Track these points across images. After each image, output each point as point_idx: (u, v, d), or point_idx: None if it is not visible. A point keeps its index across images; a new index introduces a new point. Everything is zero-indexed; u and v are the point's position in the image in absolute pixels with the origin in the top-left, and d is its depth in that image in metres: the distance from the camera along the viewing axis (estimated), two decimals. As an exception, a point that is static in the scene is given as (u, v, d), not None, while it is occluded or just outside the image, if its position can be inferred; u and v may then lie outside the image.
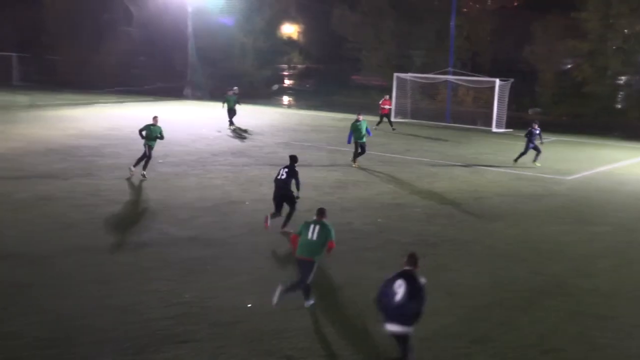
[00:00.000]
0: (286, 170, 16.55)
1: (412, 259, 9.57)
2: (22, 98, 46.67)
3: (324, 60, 68.35)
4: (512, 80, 41.06)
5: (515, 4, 63.86)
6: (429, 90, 49.18)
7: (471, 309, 12.38)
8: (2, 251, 14.59)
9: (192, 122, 37.84)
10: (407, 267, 9.49)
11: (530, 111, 50.04)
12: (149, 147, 22.39)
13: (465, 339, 11.09)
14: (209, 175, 23.34)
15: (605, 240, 17.40)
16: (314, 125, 39.53)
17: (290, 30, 73.36)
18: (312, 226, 11.98)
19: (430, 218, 18.73)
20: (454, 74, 44.90)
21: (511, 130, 39.52)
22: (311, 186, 21.61)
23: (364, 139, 26.09)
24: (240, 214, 18.43)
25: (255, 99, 49.40)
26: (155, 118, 22.91)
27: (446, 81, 45.82)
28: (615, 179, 25.89)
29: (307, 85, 66.76)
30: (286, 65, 71.71)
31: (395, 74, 44.98)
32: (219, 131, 34.52)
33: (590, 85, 46.95)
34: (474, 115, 44.63)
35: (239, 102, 36.27)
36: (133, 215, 18.30)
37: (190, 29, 54.01)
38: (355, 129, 25.99)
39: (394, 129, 37.21)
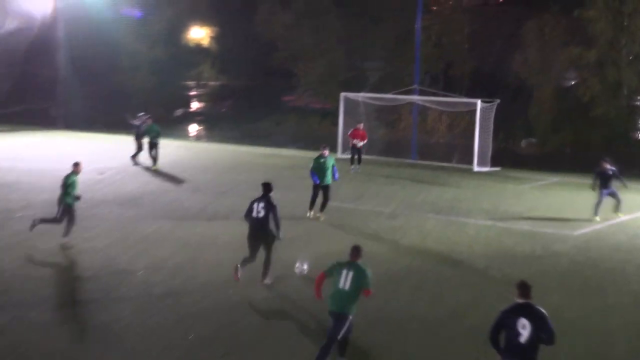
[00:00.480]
0: (262, 205, 17.93)
1: (526, 288, 11.33)
2: None
3: (245, 75, 68.62)
4: (498, 101, 41.55)
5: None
6: (388, 116, 49.70)
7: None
8: None
9: (64, 159, 37.32)
10: (520, 300, 11.28)
11: (523, 142, 50.77)
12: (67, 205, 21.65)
13: None
14: (86, 235, 22.93)
15: (624, 316, 17.64)
16: (233, 163, 39.43)
17: (199, 34, 73.47)
18: (344, 271, 13.43)
19: (392, 288, 18.72)
20: (422, 93, 45.41)
21: (498, 168, 40.13)
22: (229, 247, 21.44)
23: (329, 181, 26.16)
24: (130, 286, 18.19)
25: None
26: (76, 165, 22.26)
27: (411, 103, 46.28)
28: (636, 233, 26.33)
29: (224, 109, 66.87)
30: (194, 82, 71.68)
31: (343, 94, 45.23)
32: (102, 173, 34.14)
33: (601, 106, 47.58)
34: (448, 149, 45.16)
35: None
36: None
37: (61, 33, 53.68)
38: (318, 168, 26.08)
39: (351, 169, 37.40)
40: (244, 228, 24.24)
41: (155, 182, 32.54)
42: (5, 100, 56.35)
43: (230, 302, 17.25)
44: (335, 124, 45.14)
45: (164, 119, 55.89)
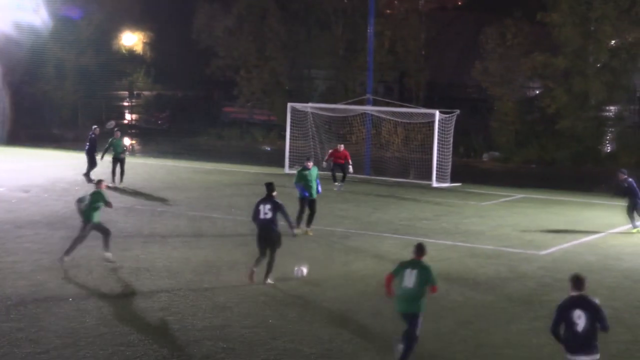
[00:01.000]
0: (269, 206, 20.07)
1: (579, 282, 12.86)
2: None
3: (182, 84, 68.46)
4: (457, 111, 41.95)
5: (460, 2, 65.50)
6: (339, 128, 49.84)
7: None
8: None
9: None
10: (574, 293, 12.82)
11: (485, 157, 51.14)
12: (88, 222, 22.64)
13: None
14: (10, 259, 22.80)
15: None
16: (170, 180, 39.30)
17: (132, 40, 73.13)
18: (407, 270, 14.64)
19: (340, 320, 18.69)
20: (375, 103, 45.64)
21: (459, 184, 40.47)
22: (165, 272, 21.34)
23: (314, 194, 27.24)
24: (60, 316, 17.98)
25: (80, 142, 48.70)
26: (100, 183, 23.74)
27: (364, 114, 46.49)
28: (606, 253, 26.53)
29: (160, 122, 66.63)
30: (127, 92, 71.35)
31: (290, 104, 45.42)
32: (27, 191, 33.82)
33: (567, 119, 48.12)
34: (405, 164, 45.32)
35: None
36: None
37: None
38: (302, 180, 27.11)
39: (335, 185, 37.52)
40: (182, 252, 24.27)
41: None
42: None
43: (169, 330, 17.14)
44: (282, 137, 45.11)
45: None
